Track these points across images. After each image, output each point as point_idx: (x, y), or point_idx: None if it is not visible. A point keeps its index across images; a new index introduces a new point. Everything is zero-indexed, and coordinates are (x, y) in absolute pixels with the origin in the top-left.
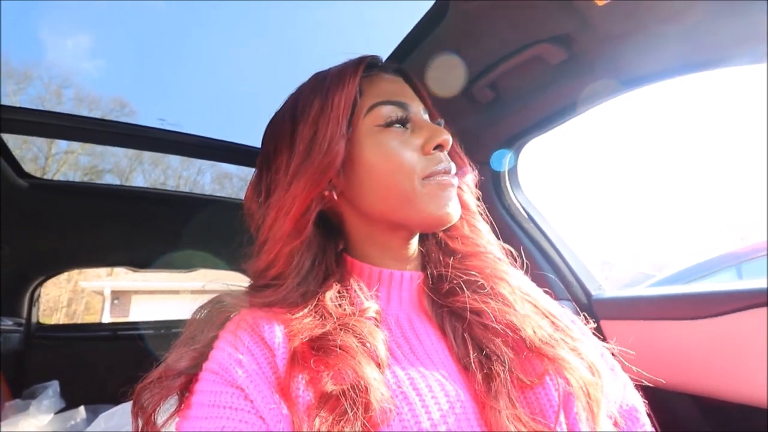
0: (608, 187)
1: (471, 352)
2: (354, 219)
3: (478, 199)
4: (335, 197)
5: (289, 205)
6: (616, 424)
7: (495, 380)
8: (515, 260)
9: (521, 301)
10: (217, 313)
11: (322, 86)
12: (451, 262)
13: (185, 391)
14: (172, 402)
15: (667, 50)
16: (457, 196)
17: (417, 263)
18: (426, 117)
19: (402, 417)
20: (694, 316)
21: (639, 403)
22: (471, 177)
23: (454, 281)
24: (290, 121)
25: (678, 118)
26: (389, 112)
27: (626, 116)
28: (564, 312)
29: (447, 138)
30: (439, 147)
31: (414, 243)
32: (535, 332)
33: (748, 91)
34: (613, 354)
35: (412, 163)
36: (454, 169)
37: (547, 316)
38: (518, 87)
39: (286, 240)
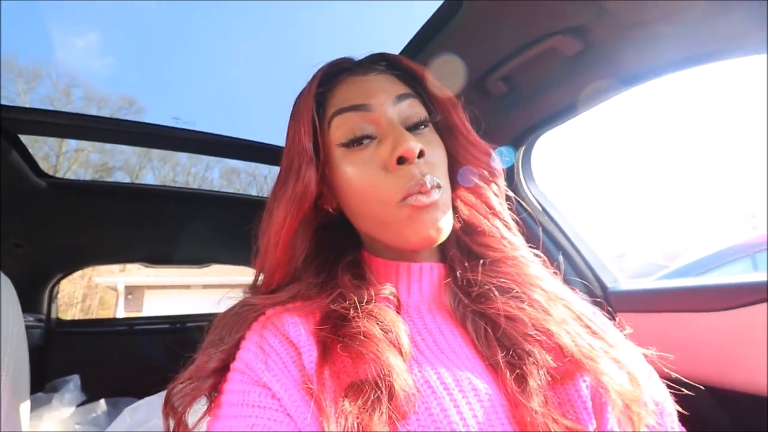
0: (620, 177)
1: (499, 352)
2: (356, 227)
3: (508, 199)
4: (332, 212)
5: (275, 237)
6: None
7: (529, 380)
8: (546, 263)
9: (557, 306)
10: (244, 314)
11: (293, 110)
12: (479, 269)
13: (215, 391)
14: (203, 402)
15: (685, 39)
16: (480, 198)
17: (436, 256)
18: (398, 107)
19: (431, 411)
20: (711, 308)
21: (667, 396)
22: (498, 174)
23: (485, 286)
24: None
25: (690, 108)
26: (345, 121)
27: (637, 107)
28: (596, 313)
29: (410, 147)
30: (403, 160)
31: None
32: (574, 341)
33: (760, 81)
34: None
35: (378, 186)
36: (430, 181)
37: (582, 320)
38: (532, 79)
39: (284, 267)
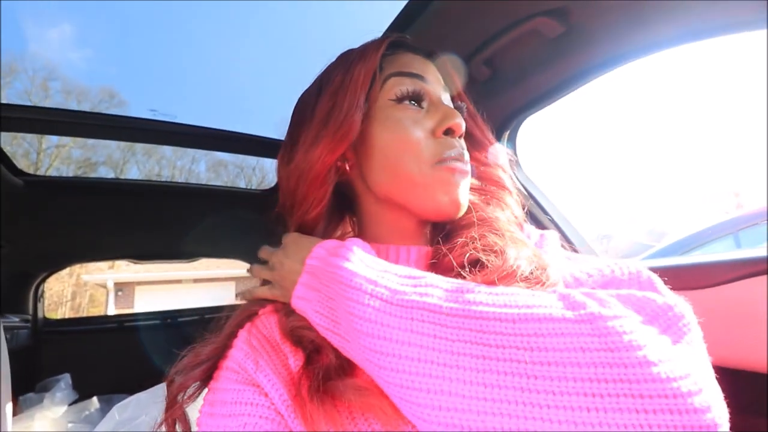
0: (602, 157)
1: None
2: (365, 195)
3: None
4: (348, 169)
5: (308, 171)
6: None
7: None
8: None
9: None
10: (240, 312)
11: (346, 61)
12: (454, 234)
13: (207, 379)
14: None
15: (666, 19)
16: (489, 177)
17: (425, 240)
18: (445, 97)
19: None
20: (695, 286)
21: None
22: (503, 156)
23: (449, 246)
24: (315, 94)
25: (673, 84)
26: (401, 83)
27: (619, 82)
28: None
29: (460, 122)
30: (451, 131)
31: (425, 225)
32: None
33: (745, 57)
34: None
35: (420, 145)
36: (467, 156)
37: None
38: (516, 63)
39: (310, 204)
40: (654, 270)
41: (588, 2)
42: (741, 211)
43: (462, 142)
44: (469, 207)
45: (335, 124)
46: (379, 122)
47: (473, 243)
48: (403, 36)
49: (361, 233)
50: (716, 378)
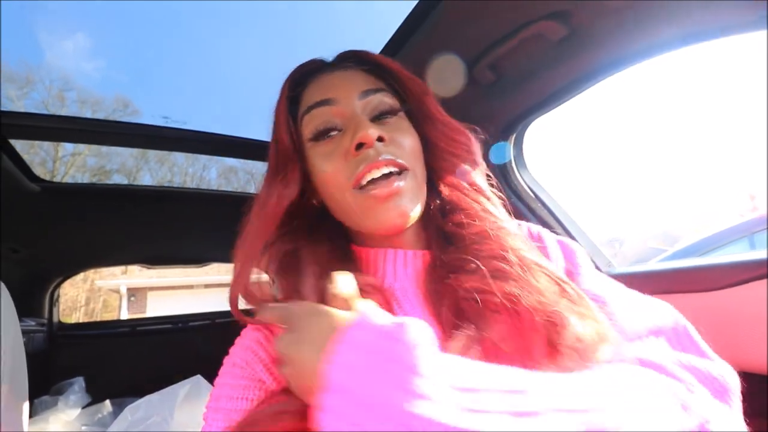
0: (613, 159)
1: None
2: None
3: (490, 177)
4: (317, 204)
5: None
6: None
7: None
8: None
9: (535, 274)
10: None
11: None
12: (455, 249)
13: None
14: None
15: (669, 20)
16: (463, 177)
17: (419, 243)
18: (358, 105)
19: None
20: (706, 288)
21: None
22: (477, 152)
23: (458, 264)
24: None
25: (687, 85)
26: (312, 118)
27: (630, 84)
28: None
29: (367, 134)
30: (362, 146)
31: (404, 232)
32: (539, 300)
33: (757, 57)
34: None
35: (337, 175)
36: (384, 157)
37: (558, 283)
38: (520, 67)
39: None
40: (662, 273)
41: (590, 3)
42: (756, 214)
43: (381, 148)
44: (461, 200)
45: (280, 178)
46: (309, 162)
47: (482, 279)
48: (308, 62)
49: (356, 241)
50: None
